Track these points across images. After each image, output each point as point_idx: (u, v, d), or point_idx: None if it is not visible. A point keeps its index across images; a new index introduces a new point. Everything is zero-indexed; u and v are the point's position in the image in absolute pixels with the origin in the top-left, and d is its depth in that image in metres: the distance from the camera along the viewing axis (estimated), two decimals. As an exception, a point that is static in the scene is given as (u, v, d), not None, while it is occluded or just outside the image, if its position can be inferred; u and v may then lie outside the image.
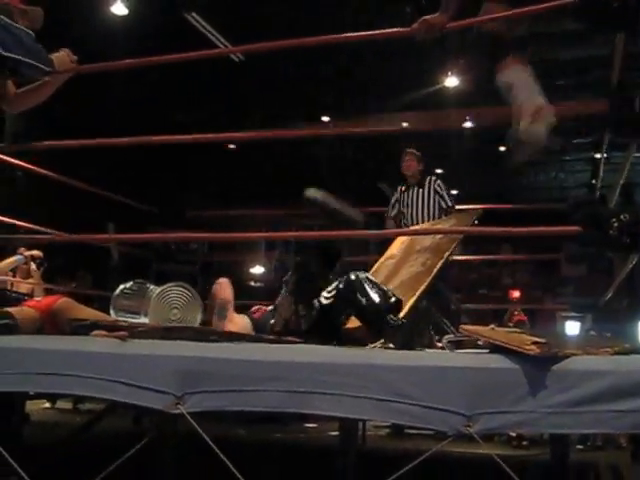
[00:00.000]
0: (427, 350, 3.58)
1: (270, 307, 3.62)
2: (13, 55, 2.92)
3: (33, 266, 5.80)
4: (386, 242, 5.18)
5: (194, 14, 7.37)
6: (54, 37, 3.27)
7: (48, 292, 5.75)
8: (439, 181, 6.20)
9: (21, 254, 5.63)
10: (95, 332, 2.84)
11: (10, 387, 2.65)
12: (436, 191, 6.11)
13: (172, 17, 7.19)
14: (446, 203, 6.06)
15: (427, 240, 4.40)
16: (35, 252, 5.73)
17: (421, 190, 6.15)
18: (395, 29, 3.47)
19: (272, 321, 3.54)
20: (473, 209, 5.05)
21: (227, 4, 7.35)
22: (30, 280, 5.82)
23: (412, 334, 3.09)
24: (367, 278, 3.26)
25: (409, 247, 4.61)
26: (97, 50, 3.11)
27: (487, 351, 2.46)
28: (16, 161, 4.74)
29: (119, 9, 7.20)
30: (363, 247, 7.44)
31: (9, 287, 5.36)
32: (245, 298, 5.53)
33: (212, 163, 11.40)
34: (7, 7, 3.05)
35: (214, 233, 5.32)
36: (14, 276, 5.78)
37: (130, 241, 5.52)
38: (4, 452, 2.52)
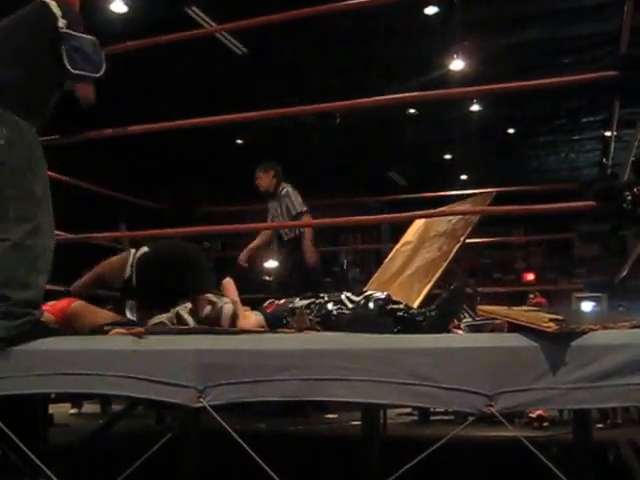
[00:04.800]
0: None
1: (282, 300, 3.59)
2: (81, 72, 2.96)
3: None
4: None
5: (194, 8, 7.28)
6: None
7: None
8: (287, 188, 5.88)
9: None
10: (113, 331, 2.85)
11: (32, 389, 2.67)
12: (284, 199, 5.85)
13: (172, 12, 7.08)
14: (295, 209, 5.77)
15: (442, 225, 4.41)
16: None
17: (276, 201, 5.93)
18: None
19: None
20: (487, 192, 5.02)
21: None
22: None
23: (444, 322, 3.04)
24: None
25: (424, 233, 4.63)
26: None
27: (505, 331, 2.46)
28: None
29: (118, 7, 7.11)
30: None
31: None
32: (259, 292, 5.55)
33: (221, 159, 11.41)
34: (72, 10, 3.06)
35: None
36: None
37: (139, 237, 5.54)
38: (30, 453, 2.55)
